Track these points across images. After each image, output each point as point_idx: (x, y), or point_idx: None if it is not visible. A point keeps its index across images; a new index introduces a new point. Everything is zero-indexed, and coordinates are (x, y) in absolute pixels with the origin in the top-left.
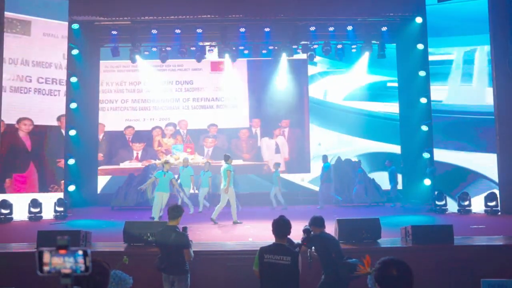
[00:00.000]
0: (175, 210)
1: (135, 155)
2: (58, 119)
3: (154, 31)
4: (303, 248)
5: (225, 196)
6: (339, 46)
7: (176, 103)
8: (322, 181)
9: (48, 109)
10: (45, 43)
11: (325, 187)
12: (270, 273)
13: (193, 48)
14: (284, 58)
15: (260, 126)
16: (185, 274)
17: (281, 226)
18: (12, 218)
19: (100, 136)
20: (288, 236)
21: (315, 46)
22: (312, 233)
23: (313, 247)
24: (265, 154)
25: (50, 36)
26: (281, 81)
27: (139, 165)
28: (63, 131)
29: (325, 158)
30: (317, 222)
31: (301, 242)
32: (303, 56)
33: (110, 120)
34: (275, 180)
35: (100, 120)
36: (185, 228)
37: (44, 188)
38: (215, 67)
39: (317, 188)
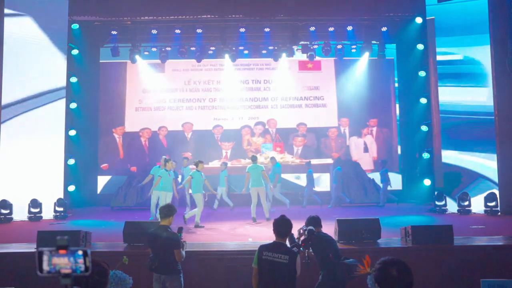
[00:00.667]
0: (166, 210)
1: (224, 154)
2: (182, 126)
3: (154, 31)
4: (302, 253)
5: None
6: (339, 46)
7: (264, 102)
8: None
9: (176, 119)
10: (173, 76)
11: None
12: (267, 271)
13: (193, 48)
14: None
15: (349, 125)
16: (177, 274)
17: (281, 225)
18: (12, 218)
19: (188, 135)
20: (293, 233)
21: (315, 46)
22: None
23: (310, 248)
24: (354, 153)
25: (176, 70)
26: (369, 80)
27: (228, 164)
28: (186, 134)
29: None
30: (314, 222)
31: (300, 243)
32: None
33: (198, 119)
34: (222, 180)
35: (188, 119)
36: (180, 229)
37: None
38: (303, 66)
39: (317, 189)
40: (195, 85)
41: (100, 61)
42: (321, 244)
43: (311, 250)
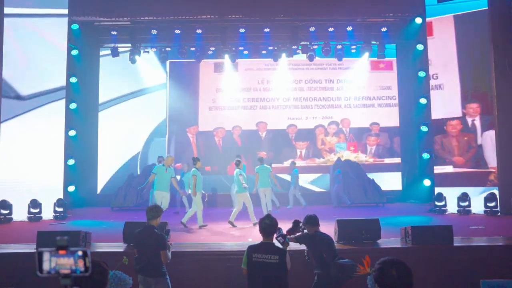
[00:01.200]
0: (153, 211)
1: (298, 153)
2: (257, 125)
3: (154, 32)
4: (286, 244)
5: (239, 199)
6: (339, 47)
7: (338, 102)
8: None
9: (250, 118)
10: (247, 75)
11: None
12: (259, 272)
13: (193, 49)
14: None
15: None
16: (162, 276)
17: (268, 224)
18: (11, 219)
19: (263, 134)
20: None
21: (315, 47)
22: (304, 229)
23: (304, 246)
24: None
25: (249, 70)
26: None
27: (303, 163)
28: (260, 134)
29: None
30: (311, 221)
31: (285, 232)
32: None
33: (272, 118)
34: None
35: (262, 118)
36: (167, 231)
37: None
38: (375, 66)
39: (318, 189)
40: (268, 84)
41: (170, 60)
42: (316, 244)
43: (305, 247)
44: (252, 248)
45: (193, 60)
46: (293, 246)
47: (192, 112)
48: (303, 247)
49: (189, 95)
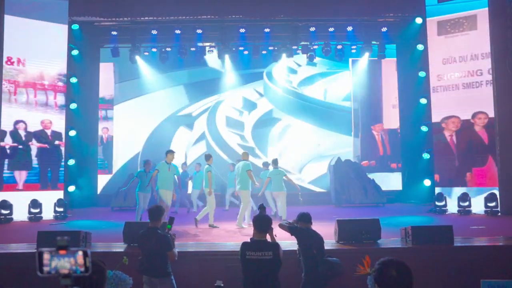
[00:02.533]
0: (156, 211)
1: None
2: (473, 116)
3: (154, 32)
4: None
5: (210, 198)
6: (339, 47)
7: None
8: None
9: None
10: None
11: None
12: (253, 269)
13: (193, 49)
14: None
15: None
16: (168, 276)
17: (263, 221)
18: (12, 219)
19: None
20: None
21: (315, 47)
22: (298, 225)
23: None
24: None
25: None
26: None
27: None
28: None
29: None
30: (304, 218)
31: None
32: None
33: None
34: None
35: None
36: (171, 219)
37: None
38: None
39: (317, 189)
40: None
41: (352, 58)
42: (307, 238)
43: (298, 245)
44: (246, 246)
45: (374, 58)
46: (290, 246)
47: (376, 109)
48: (297, 247)
49: (373, 93)
